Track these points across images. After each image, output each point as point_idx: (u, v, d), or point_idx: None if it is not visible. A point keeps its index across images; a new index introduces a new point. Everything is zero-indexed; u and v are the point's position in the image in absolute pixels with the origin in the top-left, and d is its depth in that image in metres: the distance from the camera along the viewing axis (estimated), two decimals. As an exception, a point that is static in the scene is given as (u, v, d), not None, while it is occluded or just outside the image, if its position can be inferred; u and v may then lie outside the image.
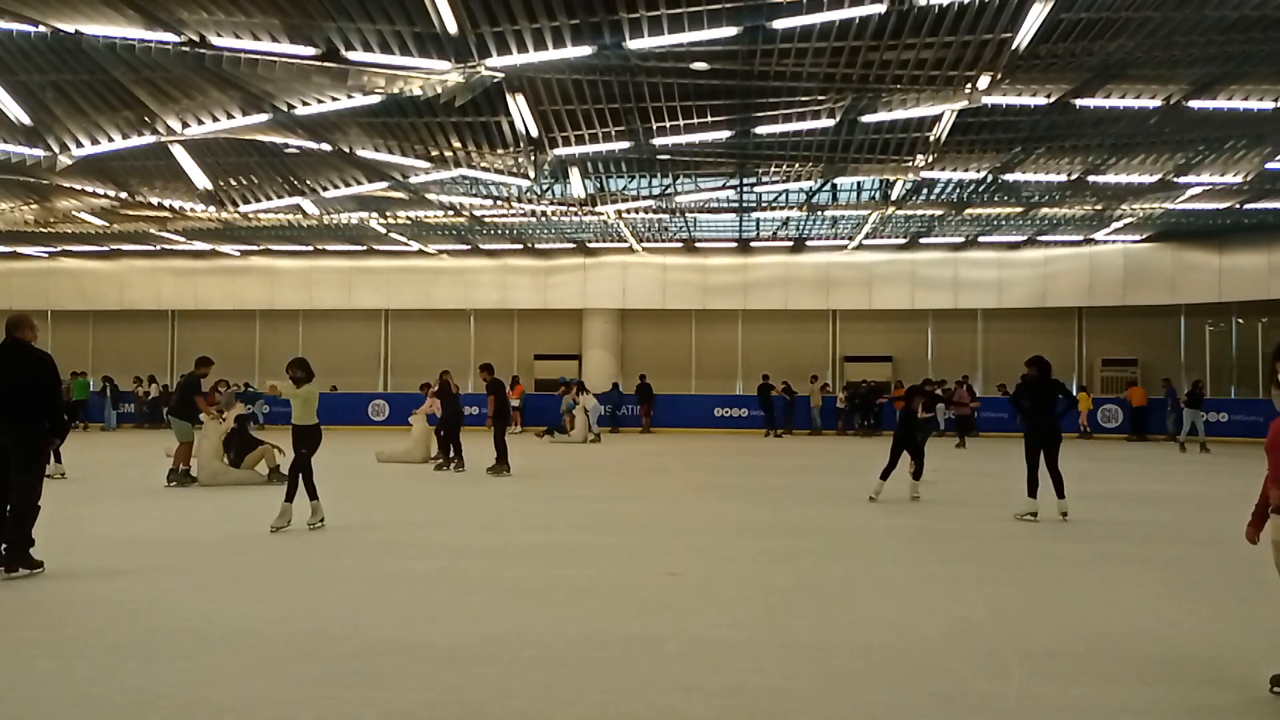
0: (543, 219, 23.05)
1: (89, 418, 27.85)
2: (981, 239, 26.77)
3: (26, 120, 14.42)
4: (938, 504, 11.70)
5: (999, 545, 8.88)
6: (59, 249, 28.69)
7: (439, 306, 29.99)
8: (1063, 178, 18.87)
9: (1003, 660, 5.09)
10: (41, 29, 11.39)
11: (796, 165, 18.42)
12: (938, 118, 15.05)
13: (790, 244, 28.02)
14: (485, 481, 14.17)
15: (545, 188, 20.67)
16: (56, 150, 15.43)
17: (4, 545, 7.02)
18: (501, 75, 12.63)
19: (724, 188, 20.68)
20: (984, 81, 13.14)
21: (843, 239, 26.97)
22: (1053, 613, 6.19)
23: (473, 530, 9.68)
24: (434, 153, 16.81)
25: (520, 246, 28.14)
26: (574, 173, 18.92)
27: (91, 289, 30.47)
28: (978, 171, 18.48)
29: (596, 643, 5.31)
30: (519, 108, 14.42)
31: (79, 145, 15.42)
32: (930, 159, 17.24)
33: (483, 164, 17.42)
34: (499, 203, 21.21)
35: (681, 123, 15.43)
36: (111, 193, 19.63)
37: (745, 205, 22.73)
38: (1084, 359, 28.65)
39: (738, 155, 18.05)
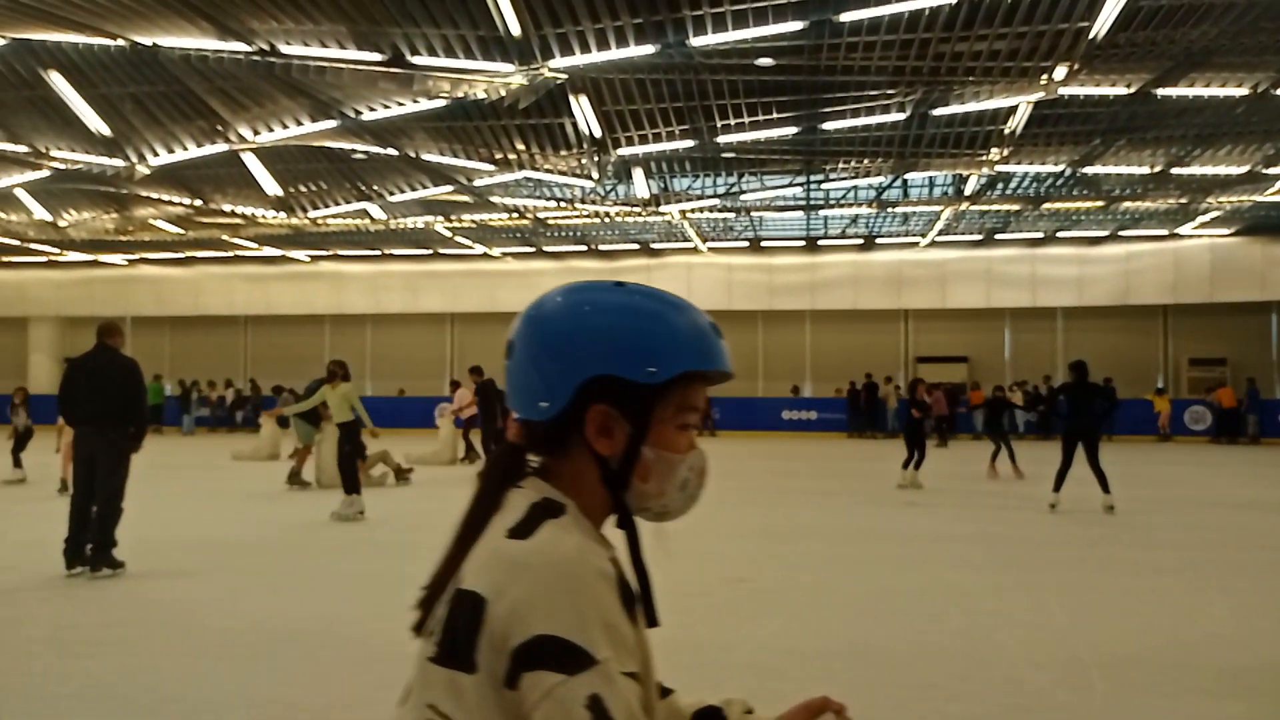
0: (606, 220, 23.02)
1: (164, 421, 28.64)
2: (1061, 234, 25.99)
3: (107, 132, 14.84)
4: (1019, 509, 11.34)
5: (1083, 551, 8.53)
6: (137, 256, 29.58)
7: (503, 309, 30.12)
8: (1145, 170, 18.19)
9: (1085, 670, 4.84)
10: (120, 43, 11.68)
11: (865, 161, 18.07)
12: (1013, 110, 14.60)
13: (860, 242, 27.56)
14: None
15: (609, 189, 20.62)
16: (135, 160, 15.87)
17: (89, 546, 7.16)
18: (565, 76, 12.59)
19: (790, 185, 20.40)
20: (1060, 72, 12.70)
21: (915, 236, 26.43)
22: (1137, 620, 5.89)
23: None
24: (498, 155, 16.87)
25: (584, 248, 28.17)
26: (637, 173, 18.83)
27: (168, 295, 31.35)
28: (1056, 165, 17.91)
29: (664, 648, 5.16)
30: (582, 109, 14.38)
31: (155, 155, 15.83)
32: (1005, 152, 16.76)
33: (546, 166, 17.43)
34: (563, 204, 21.23)
35: (746, 120, 15.23)
36: (187, 200, 20.13)
37: (813, 203, 22.40)
38: (1169, 359, 27.62)
39: (804, 152, 17.77)
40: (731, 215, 23.29)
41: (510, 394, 1.23)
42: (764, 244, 27.98)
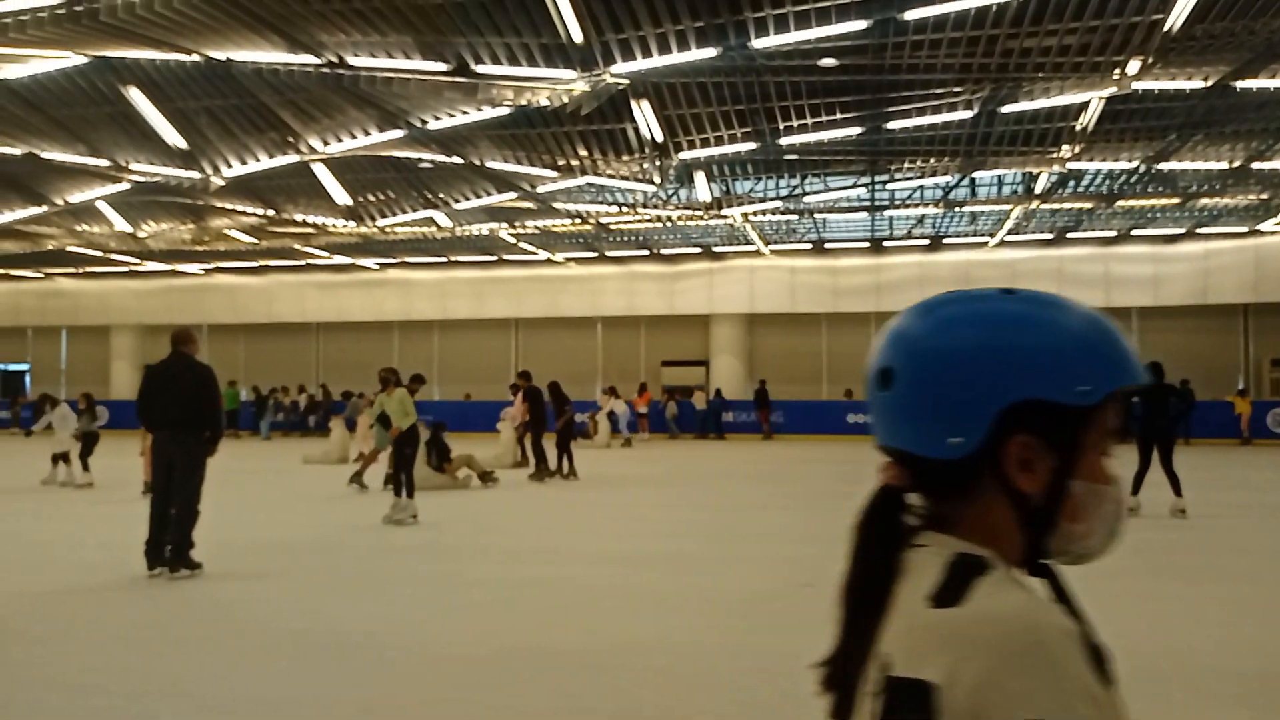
0: (668, 224, 23.03)
1: (240, 426, 29.41)
2: (1135, 233, 25.26)
3: (183, 145, 15.32)
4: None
5: (1157, 558, 8.27)
6: (213, 266, 30.45)
7: (567, 314, 30.40)
8: (1224, 165, 17.58)
9: (1163, 681, 4.69)
10: (195, 58, 12.05)
11: (932, 160, 17.79)
12: (1084, 106, 14.25)
13: (926, 242, 27.13)
14: (590, 489, 14.17)
15: (670, 193, 20.63)
16: (210, 172, 16.35)
17: (169, 547, 7.39)
18: (626, 82, 12.64)
19: (855, 186, 20.18)
20: (1134, 66, 12.35)
21: (983, 236, 25.92)
22: (1219, 631, 5.70)
23: (597, 538, 9.66)
24: (560, 162, 17.00)
25: (646, 252, 28.23)
26: (699, 176, 18.82)
27: (243, 303, 32.21)
28: (1129, 161, 17.41)
29: (729, 653, 5.16)
30: (644, 113, 14.41)
31: (230, 166, 16.29)
32: (1077, 149, 16.35)
33: (608, 171, 17.52)
34: (624, 209, 21.32)
35: (810, 121, 15.11)
36: (260, 211, 20.68)
37: (877, 204, 22.13)
38: (1250, 359, 26.66)
39: (869, 152, 17.57)
40: (794, 217, 23.12)
41: (890, 430, 1.09)
42: (827, 246, 27.71)
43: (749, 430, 27.45)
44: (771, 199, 20.94)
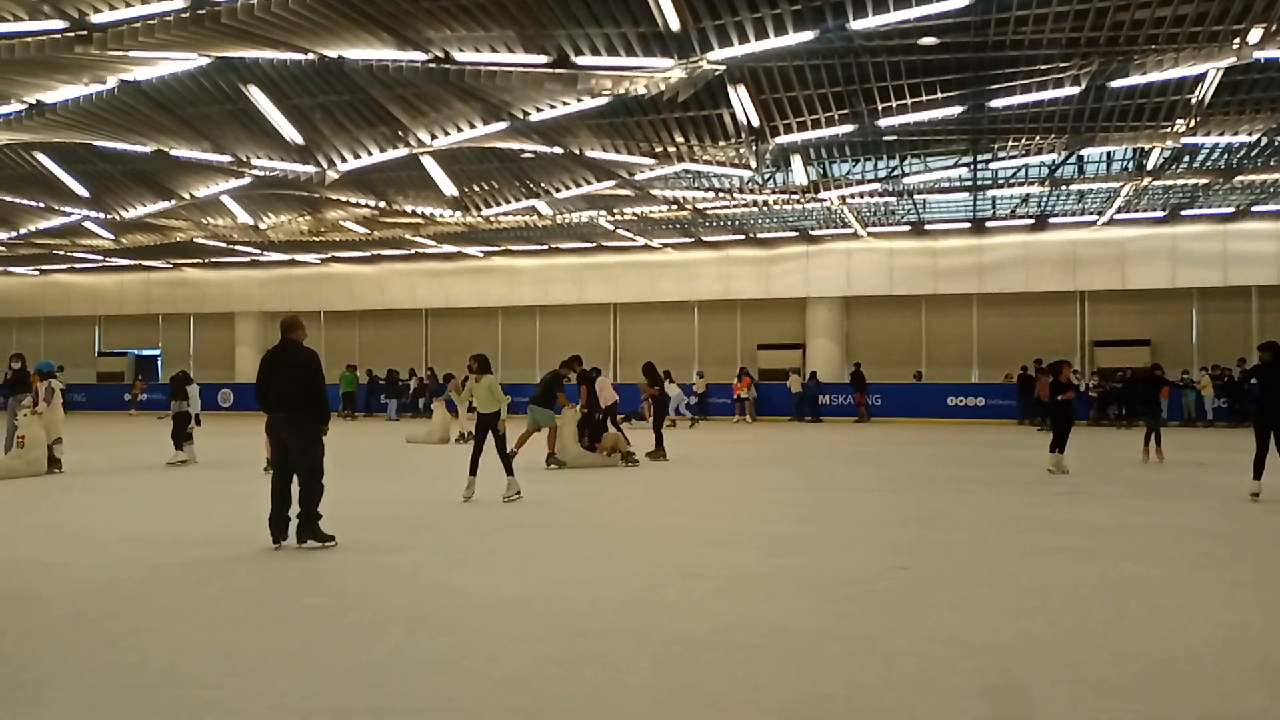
0: (764, 208, 22.99)
1: (357, 408, 30.61)
2: (1256, 209, 24.04)
3: (300, 140, 16.07)
4: (1201, 499, 10.72)
5: (1278, 546, 8.02)
6: (329, 255, 31.70)
7: (664, 299, 30.63)
8: (1355, 135, 16.62)
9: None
10: (310, 56, 12.63)
11: (1037, 138, 17.32)
12: (1200, 78, 13.69)
13: (1030, 222, 26.35)
14: (686, 470, 14.34)
15: (767, 177, 20.60)
16: (325, 166, 17.10)
17: (296, 521, 7.87)
18: (723, 67, 12.73)
19: (956, 166, 19.78)
20: (1255, 35, 11.82)
21: (1091, 214, 25.05)
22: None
23: (695, 519, 9.85)
24: (658, 149, 17.18)
25: (742, 237, 28.21)
26: (796, 160, 18.74)
27: (357, 291, 33.45)
28: (1249, 134, 16.61)
29: (822, 636, 5.29)
30: (740, 98, 14.47)
31: (344, 160, 17.01)
32: (1192, 123, 15.70)
33: (705, 157, 17.62)
34: (721, 194, 21.38)
35: (909, 101, 14.91)
36: (372, 202, 21.49)
37: (979, 183, 21.63)
38: (1386, 339, 25.08)
39: (971, 131, 17.22)
40: (893, 199, 22.80)
41: None
42: (927, 227, 27.19)
43: (845, 413, 27.24)
44: (870, 181, 20.69)
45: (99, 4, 10.74)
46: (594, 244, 29.34)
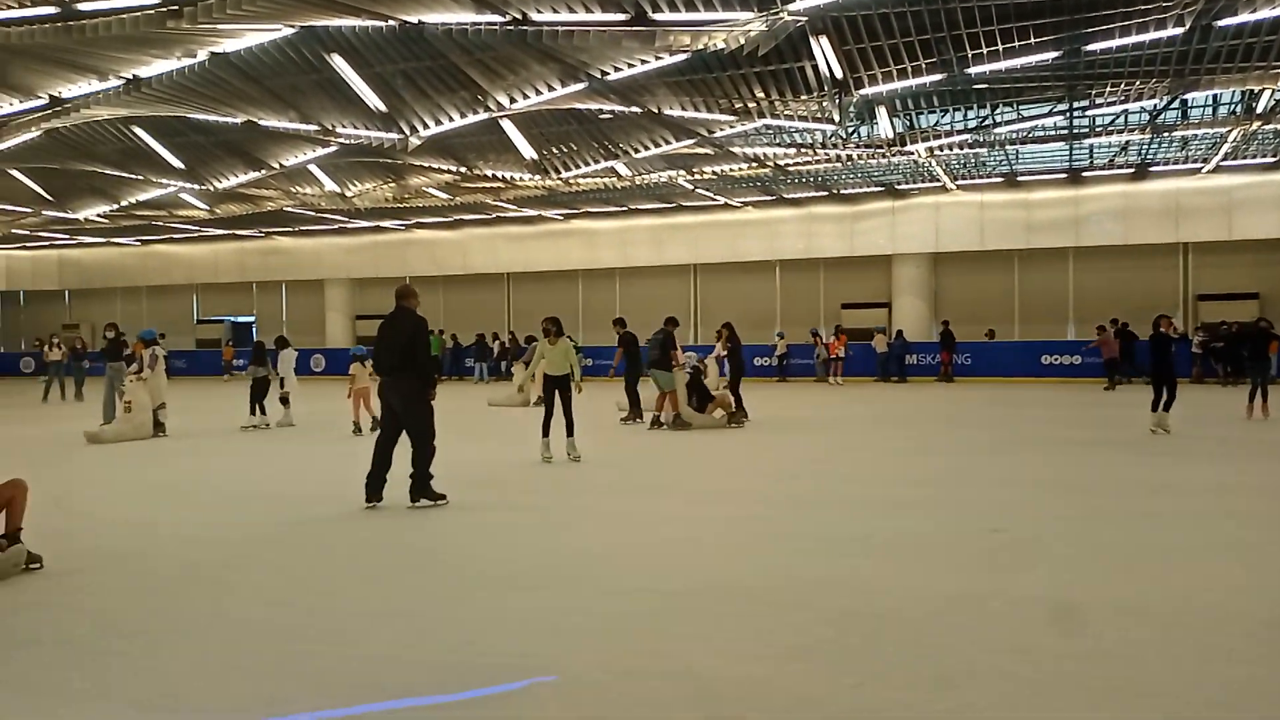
0: (849, 163, 22.49)
1: (443, 372, 31.24)
2: (1379, 152, 22.56)
3: (382, 107, 16.27)
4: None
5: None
6: (413, 222, 32.20)
7: (745, 259, 30.33)
8: None
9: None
10: (391, 23, 12.74)
11: (1138, 82, 16.48)
12: (1319, 11, 12.80)
13: (1130, 171, 25.21)
14: (767, 432, 14.22)
15: (851, 130, 20.11)
16: (407, 132, 17.30)
17: (410, 481, 8.11)
18: (805, 18, 12.40)
19: (1051, 114, 19.00)
20: (1383, -39, 10.99)
21: (1195, 162, 23.83)
22: None
23: (779, 480, 9.79)
24: (738, 105, 16.90)
25: (825, 193, 27.64)
26: (881, 112, 18.23)
27: (441, 256, 33.97)
28: (1372, 71, 15.53)
29: (915, 597, 5.21)
30: (823, 50, 14.09)
31: (425, 127, 17.17)
32: (1308, 61, 14.74)
33: (786, 112, 17.27)
34: (803, 150, 20.97)
35: (1000, 47, 14.31)
36: (453, 168, 21.70)
37: (1076, 131, 20.74)
38: None
39: (1066, 77, 16.49)
40: (984, 150, 22.03)
41: None
42: (1020, 179, 26.23)
43: (933, 373, 26.66)
44: (959, 131, 20.02)
45: (188, -22, 10.98)
46: (673, 204, 29.15)
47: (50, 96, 15.36)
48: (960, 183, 26.38)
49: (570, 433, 11.00)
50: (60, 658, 4.40)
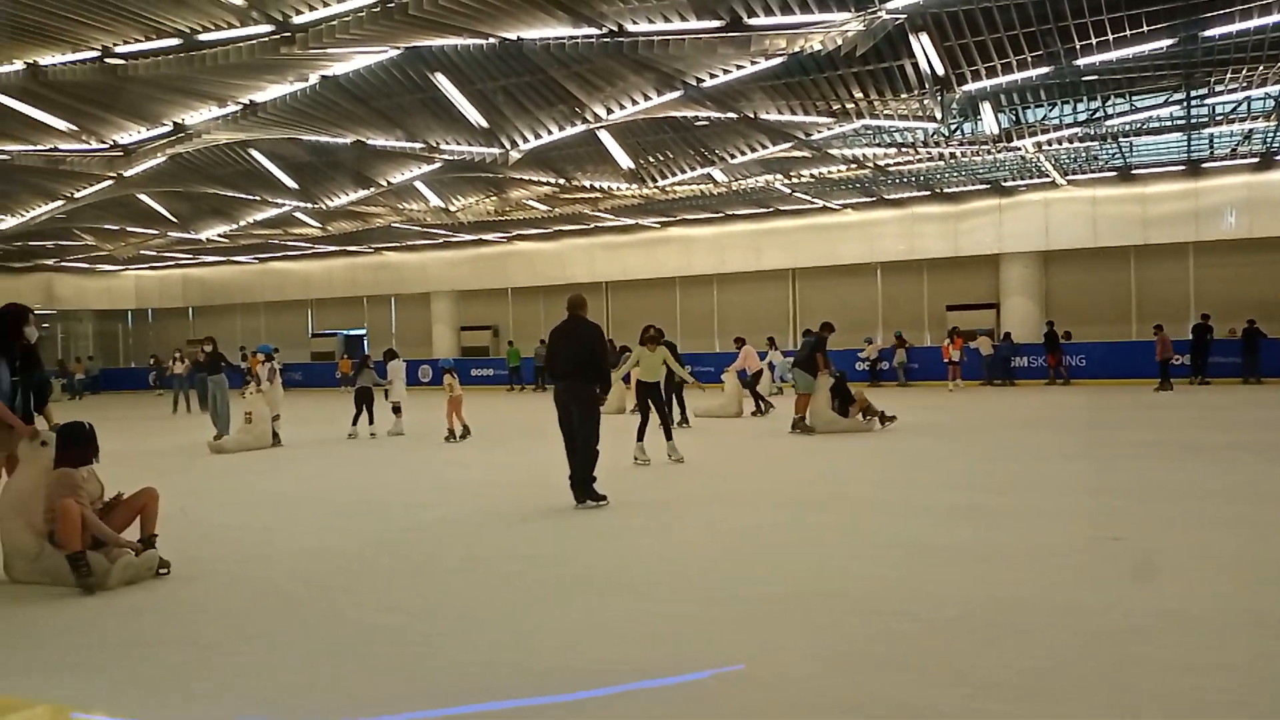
0: (952, 161, 21.96)
1: (524, 381, 31.80)
2: None
3: (484, 123, 16.66)
4: None
5: None
6: (513, 234, 32.83)
7: (844, 261, 29.88)
8: None
9: None
10: (491, 40, 13.04)
11: (1260, 67, 15.63)
12: None
13: (1254, 161, 23.90)
14: (861, 437, 13.92)
15: (954, 128, 19.63)
16: (508, 147, 17.67)
17: (574, 482, 8.44)
18: (904, 16, 12.18)
19: (1167, 104, 18.18)
20: None
21: (1328, 149, 22.46)
22: None
23: (878, 486, 9.60)
24: (835, 107, 16.70)
25: (928, 193, 27.04)
26: (985, 108, 17.74)
27: (540, 267, 34.52)
28: None
29: (1024, 607, 5.04)
30: (923, 47, 13.81)
31: (525, 140, 17.51)
32: None
33: (885, 111, 16.98)
34: (904, 150, 20.57)
35: (1111, 36, 13.79)
36: (552, 180, 22.06)
37: (1194, 121, 19.79)
38: None
39: (1183, 65, 15.77)
40: (1095, 143, 21.21)
41: None
42: (1135, 172, 25.14)
43: (1043, 376, 25.72)
44: (1068, 125, 19.33)
45: (300, 6, 11.48)
46: (770, 209, 28.95)
47: (174, 123, 16.25)
48: (1071, 178, 25.45)
49: (669, 436, 11.23)
50: (187, 658, 4.63)
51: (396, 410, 16.16)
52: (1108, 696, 3.80)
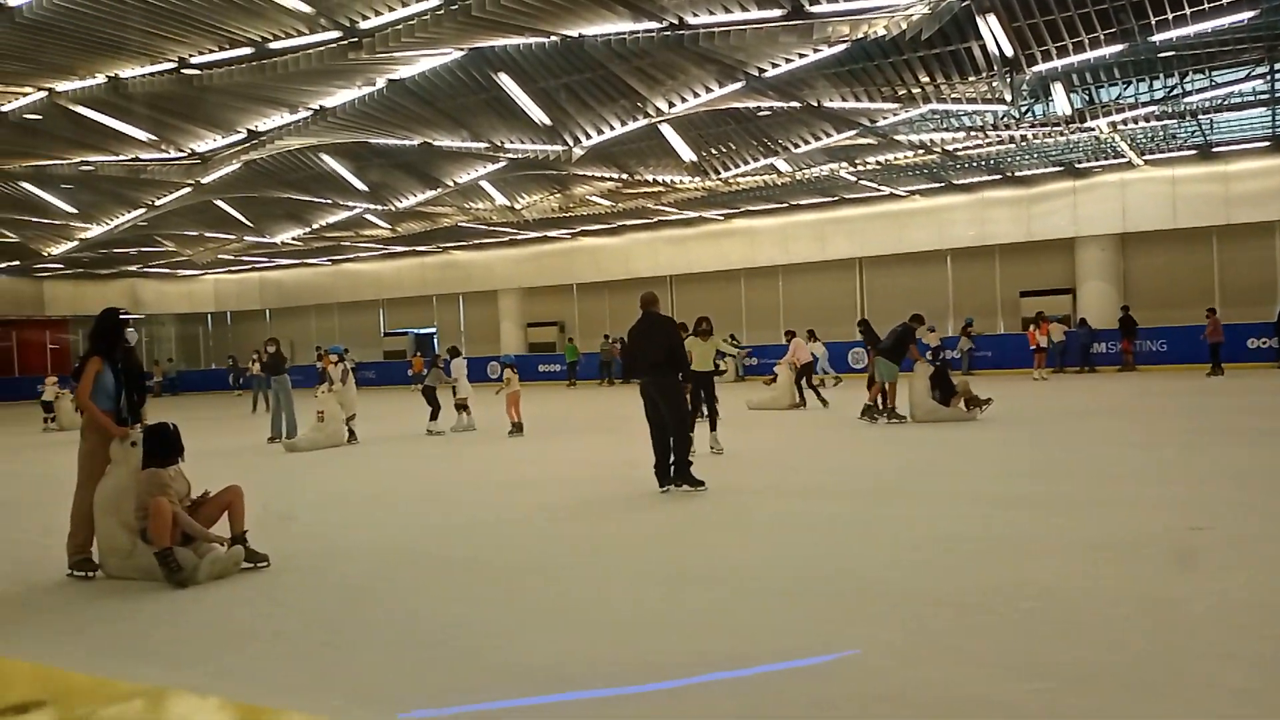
0: (1023, 144, 21.45)
1: (578, 376, 32.00)
2: None
3: (547, 121, 16.79)
4: None
5: None
6: (577, 230, 33.04)
7: (913, 249, 29.41)
8: None
9: None
10: (553, 38, 13.14)
11: (1351, 36, 14.98)
12: None
13: (1346, 134, 22.89)
14: (932, 427, 13.68)
15: (1024, 109, 19.18)
16: (571, 143, 17.78)
17: (672, 467, 8.79)
18: (969, -2, 11.95)
19: (1249, 78, 17.51)
20: None
21: None
22: None
23: (948, 477, 9.45)
24: (901, 92, 16.46)
25: (998, 177, 26.45)
26: (1057, 88, 17.30)
27: (604, 262, 34.68)
28: None
29: (1109, 598, 4.92)
30: (990, 28, 13.53)
31: (587, 137, 17.61)
32: None
33: (953, 95, 16.67)
34: (973, 133, 20.16)
35: (1188, 11, 13.32)
36: (614, 175, 22.14)
37: (1279, 95, 19.03)
38: None
39: (1266, 37, 15.17)
40: (1173, 121, 20.53)
41: None
42: (1216, 150, 24.25)
43: (1119, 362, 24.96)
44: (1145, 104, 18.74)
45: (366, 11, 11.71)
46: (835, 197, 28.63)
47: (248, 130, 16.72)
48: (1148, 157, 24.67)
49: (714, 427, 11.54)
50: (275, 651, 4.79)
51: (462, 408, 16.39)
52: (1198, 692, 3.70)
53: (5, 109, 14.82)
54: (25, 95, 14.33)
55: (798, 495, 8.75)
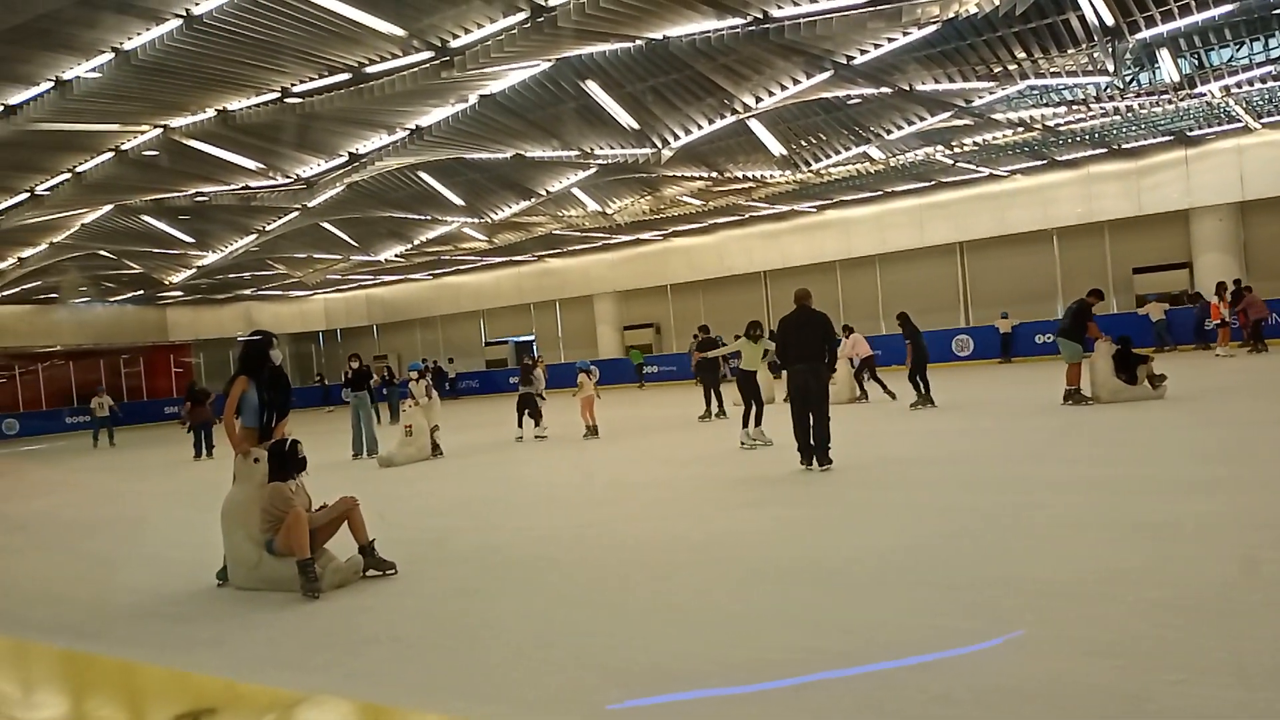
0: (1130, 114, 20.54)
1: (647, 378, 32.50)
2: None
3: (635, 125, 16.89)
4: None
5: None
6: (670, 231, 33.09)
7: (1015, 230, 28.49)
8: None
9: None
10: (638, 42, 13.21)
11: None
12: None
13: None
14: (1064, 413, 13.20)
15: (1129, 79, 18.38)
16: (660, 145, 17.84)
17: (814, 449, 9.60)
18: (1065, -32, 11.52)
19: (1376, 29, 16.39)
20: None
21: None
22: None
23: (1059, 464, 9.13)
24: (996, 70, 15.96)
25: (1104, 150, 25.38)
26: (1163, 54, 16.51)
27: (698, 261, 34.62)
28: None
29: (1232, 586, 4.70)
30: (1089, -2, 13.02)
31: (676, 138, 17.63)
32: None
33: (1052, 69, 16.09)
34: (1075, 107, 19.41)
35: (1305, -38, 12.58)
36: (704, 174, 22.10)
37: None
38: None
39: (1395, -17, 14.17)
40: (1293, 80, 19.37)
41: None
42: (1344, 107, 22.77)
43: (1239, 339, 23.55)
44: (1260, 64, 17.73)
45: (456, 30, 12.00)
46: (932, 182, 27.93)
47: (349, 154, 17.31)
48: (1266, 121, 23.32)
49: (759, 422, 12.21)
50: (395, 653, 4.96)
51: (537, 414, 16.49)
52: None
53: (125, 146, 15.71)
54: (143, 133, 15.16)
55: (922, 486, 8.59)
